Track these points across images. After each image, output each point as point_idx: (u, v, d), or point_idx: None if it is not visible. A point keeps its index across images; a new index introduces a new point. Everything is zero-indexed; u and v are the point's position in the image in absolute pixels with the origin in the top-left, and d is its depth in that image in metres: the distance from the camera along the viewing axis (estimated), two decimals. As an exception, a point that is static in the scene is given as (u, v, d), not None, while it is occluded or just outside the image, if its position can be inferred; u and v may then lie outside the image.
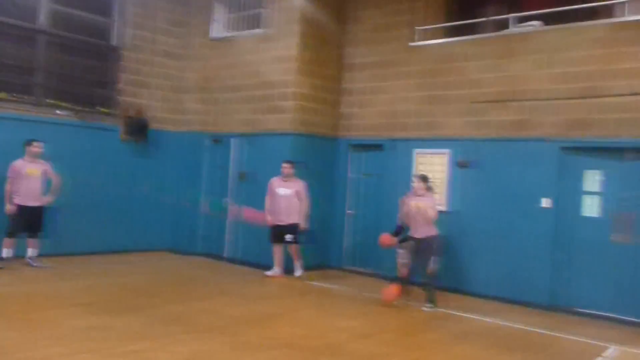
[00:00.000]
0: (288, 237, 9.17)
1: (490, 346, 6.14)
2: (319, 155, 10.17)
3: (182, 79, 11.44)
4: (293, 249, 9.29)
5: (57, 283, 8.02)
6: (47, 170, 8.89)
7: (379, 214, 9.75)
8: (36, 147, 8.77)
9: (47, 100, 9.87)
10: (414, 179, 8.13)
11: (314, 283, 9.05)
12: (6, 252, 8.68)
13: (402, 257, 8.04)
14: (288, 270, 9.37)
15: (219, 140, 10.94)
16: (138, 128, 10.78)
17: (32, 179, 8.72)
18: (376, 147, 10.00)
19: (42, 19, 9.78)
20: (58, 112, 9.95)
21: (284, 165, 9.23)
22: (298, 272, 9.36)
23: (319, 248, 10.13)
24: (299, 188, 9.26)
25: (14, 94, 9.49)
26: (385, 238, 8.28)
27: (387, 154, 9.82)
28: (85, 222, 9.99)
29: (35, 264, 8.80)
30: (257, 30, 10.53)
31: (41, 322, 5.99)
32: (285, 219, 9.19)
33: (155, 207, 11.09)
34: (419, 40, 9.55)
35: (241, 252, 10.39)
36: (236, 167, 10.66)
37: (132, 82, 10.85)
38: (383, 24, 10.00)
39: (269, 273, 9.31)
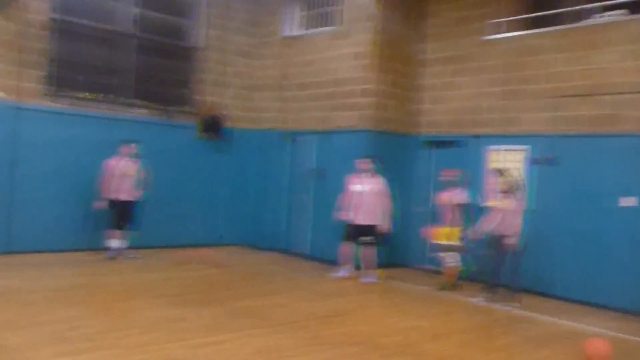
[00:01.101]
0: (363, 238, 8.75)
1: (575, 352, 5.82)
2: (394, 152, 10.00)
3: (257, 77, 11.67)
4: (367, 252, 8.85)
5: (141, 275, 8.41)
6: (139, 168, 9.36)
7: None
8: (132, 148, 9.28)
9: (132, 100, 10.37)
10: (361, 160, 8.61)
11: (390, 281, 8.96)
12: (115, 243, 9.24)
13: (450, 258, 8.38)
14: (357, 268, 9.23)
15: (294, 138, 11.05)
16: (213, 125, 11.11)
17: (126, 176, 9.20)
18: (451, 143, 9.75)
19: (129, 23, 10.28)
20: (141, 111, 10.43)
21: (362, 160, 8.92)
22: (366, 279, 8.78)
23: (397, 246, 10.00)
24: (379, 185, 8.80)
25: (101, 94, 10.03)
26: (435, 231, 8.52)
27: (461, 150, 9.56)
28: (166, 216, 10.41)
29: (131, 256, 9.29)
30: (330, 28, 10.56)
31: (124, 311, 6.31)
32: (363, 219, 8.73)
33: (232, 203, 11.40)
34: (494, 34, 9.24)
35: (318, 249, 10.43)
36: (311, 164, 10.73)
37: (209, 81, 11.22)
38: (457, 17, 9.78)
39: (334, 275, 8.93)
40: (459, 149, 9.66)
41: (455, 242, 8.30)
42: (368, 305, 7.40)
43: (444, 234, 8.41)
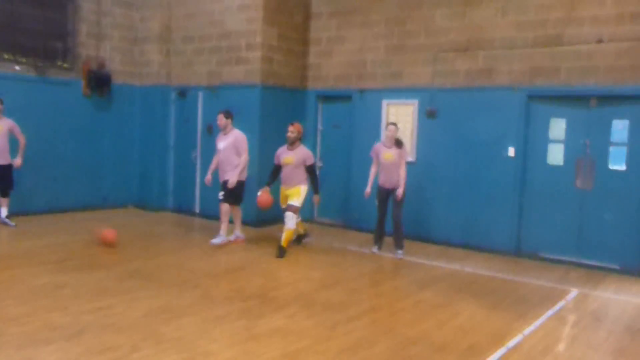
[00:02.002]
0: (220, 195, 8.16)
1: (455, 292, 6.26)
2: (287, 108, 10.02)
3: (143, 29, 11.06)
4: (221, 208, 8.16)
5: (22, 242, 7.91)
6: (13, 127, 8.70)
7: (348, 166, 9.74)
8: None
9: (5, 55, 9.50)
10: (389, 127, 7.87)
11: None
12: None
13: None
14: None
15: (184, 94, 10.71)
16: (100, 82, 10.51)
17: None
18: (344, 98, 9.89)
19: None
20: (17, 67, 9.60)
21: (218, 116, 8.24)
22: (215, 240, 8.16)
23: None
24: (234, 140, 8.03)
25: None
26: (264, 198, 7.75)
27: (354, 105, 9.73)
28: (48, 180, 9.84)
29: (12, 224, 8.75)
30: (219, -22, 10.18)
31: (6, 281, 5.93)
32: (222, 175, 8.12)
33: (120, 163, 10.94)
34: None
35: (208, 207, 10.27)
36: (202, 121, 10.49)
37: (92, 35, 10.49)
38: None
39: (215, 241, 8.15)
40: (347, 104, 9.82)
41: (294, 199, 7.67)
42: (259, 260, 7.45)
43: (284, 196, 7.88)
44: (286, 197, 7.82)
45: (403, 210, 7.86)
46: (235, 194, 8.09)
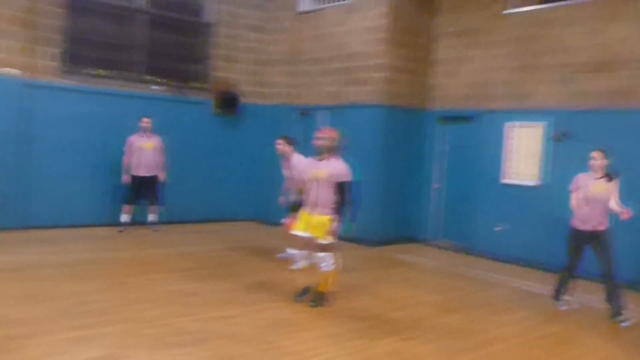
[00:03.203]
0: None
1: (589, 327, 5.81)
2: (408, 128, 10.00)
3: (268, 52, 11.59)
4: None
5: (159, 249, 8.53)
6: (159, 144, 9.58)
7: (469, 189, 9.49)
8: (144, 123, 9.46)
9: (144, 77, 10.38)
10: (594, 154, 6.19)
11: (398, 256, 8.99)
12: (124, 218, 9.51)
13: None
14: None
15: (306, 113, 11.02)
16: (229, 102, 11.13)
17: (144, 151, 9.43)
18: (466, 119, 9.66)
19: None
20: (154, 87, 10.43)
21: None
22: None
23: (410, 221, 10.06)
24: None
25: (114, 71, 10.03)
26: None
27: (476, 126, 9.48)
28: (180, 192, 10.46)
29: (155, 229, 9.66)
30: (345, 1, 10.41)
31: (137, 286, 6.40)
32: None
33: (244, 178, 11.45)
34: (508, 7, 9.08)
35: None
36: (324, 140, 10.71)
37: (222, 57, 11.17)
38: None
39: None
40: (469, 125, 9.58)
41: (321, 237, 5.81)
42: (376, 281, 7.41)
43: (308, 224, 5.92)
44: (307, 225, 5.89)
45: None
46: None
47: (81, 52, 9.67)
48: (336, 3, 10.58)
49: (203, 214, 10.89)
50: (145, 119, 9.49)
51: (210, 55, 11.06)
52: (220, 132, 11.17)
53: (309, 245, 5.90)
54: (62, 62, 9.41)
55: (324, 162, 5.90)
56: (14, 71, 8.82)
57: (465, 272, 8.15)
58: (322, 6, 10.84)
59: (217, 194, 11.16)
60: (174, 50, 10.78)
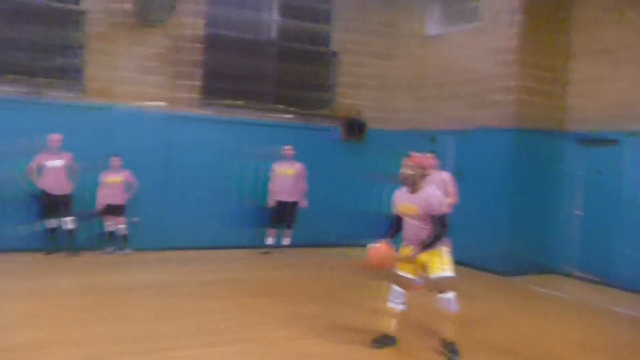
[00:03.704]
0: None
1: None
2: (542, 152, 9.47)
3: (392, 77, 11.61)
4: None
5: (287, 271, 8.79)
6: (300, 170, 9.93)
7: (614, 218, 8.75)
8: (287, 150, 9.89)
9: (274, 105, 10.84)
10: None
11: (532, 287, 8.46)
12: (269, 241, 10.03)
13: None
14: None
15: (435, 138, 10.83)
16: (356, 128, 11.26)
17: (286, 177, 9.86)
18: (609, 142, 8.95)
19: (270, 32, 10.75)
20: (285, 115, 10.85)
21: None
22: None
23: (535, 250, 9.46)
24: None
25: (247, 101, 10.59)
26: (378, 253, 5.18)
27: (619, 148, 8.75)
28: (311, 216, 10.56)
29: (286, 252, 9.98)
30: (472, 24, 10.20)
31: (266, 306, 6.60)
32: None
33: (371, 203, 11.40)
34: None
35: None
36: (451, 165, 10.44)
37: (348, 84, 11.37)
38: (608, 4, 8.95)
39: None
40: (612, 148, 8.86)
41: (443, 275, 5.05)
42: (505, 312, 7.01)
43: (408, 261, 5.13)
44: (414, 265, 5.15)
45: None
46: None
47: (217, 85, 10.34)
48: (464, 26, 10.40)
49: (330, 238, 10.99)
50: (287, 147, 9.90)
51: (336, 83, 11.32)
52: (347, 158, 11.28)
53: (410, 286, 5.22)
54: (201, 94, 10.10)
55: (415, 194, 5.05)
56: (160, 104, 9.61)
57: (607, 307, 7.46)
58: (449, 30, 10.70)
59: (345, 218, 11.19)
60: (301, 80, 11.18)
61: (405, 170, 5.06)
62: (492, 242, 9.19)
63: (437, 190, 5.18)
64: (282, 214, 9.94)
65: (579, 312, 7.20)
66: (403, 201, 5.16)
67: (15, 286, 6.87)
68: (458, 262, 9.51)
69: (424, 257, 5.02)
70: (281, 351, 5.03)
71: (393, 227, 5.31)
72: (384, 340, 5.28)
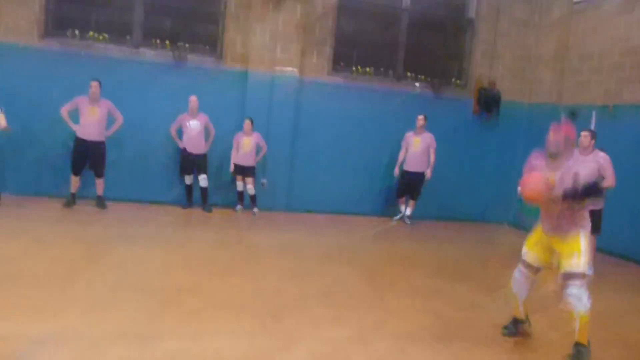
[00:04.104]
0: None
1: None
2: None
3: (531, 48, 10.94)
4: None
5: (410, 243, 8.75)
6: (429, 142, 9.85)
7: None
8: (420, 120, 9.82)
9: (407, 74, 10.65)
10: None
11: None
12: (402, 209, 10.17)
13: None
14: None
15: (576, 114, 10.08)
16: (490, 101, 10.80)
17: (413, 148, 9.86)
18: None
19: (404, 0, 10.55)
20: (417, 85, 10.65)
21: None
22: None
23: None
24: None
25: (379, 69, 10.50)
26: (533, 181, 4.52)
27: None
28: (437, 190, 10.43)
29: (409, 223, 10.05)
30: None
31: (384, 275, 6.68)
32: None
33: (500, 180, 10.97)
34: None
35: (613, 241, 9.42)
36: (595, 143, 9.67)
37: (485, 53, 10.88)
38: None
39: None
40: None
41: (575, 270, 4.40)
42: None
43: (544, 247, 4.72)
44: (547, 251, 4.69)
45: None
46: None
47: (348, 52, 10.35)
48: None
49: (455, 212, 10.79)
50: (420, 117, 9.80)
51: (471, 52, 10.88)
52: (479, 131, 10.90)
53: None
54: (332, 61, 10.18)
55: (558, 167, 4.50)
56: (292, 70, 9.83)
57: None
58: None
59: (472, 193, 10.91)
60: (435, 48, 10.89)
61: (554, 142, 4.48)
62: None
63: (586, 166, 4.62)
64: (409, 184, 9.93)
65: None
66: (543, 171, 4.54)
67: (157, 236, 7.47)
68: (602, 250, 9.00)
69: (556, 243, 4.54)
70: (400, 321, 5.04)
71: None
72: (513, 326, 4.98)
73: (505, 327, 4.99)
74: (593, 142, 7.19)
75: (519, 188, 4.60)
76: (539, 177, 4.46)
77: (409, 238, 9.11)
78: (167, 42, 9.50)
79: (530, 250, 4.77)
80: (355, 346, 4.38)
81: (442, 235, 9.56)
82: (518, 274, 4.85)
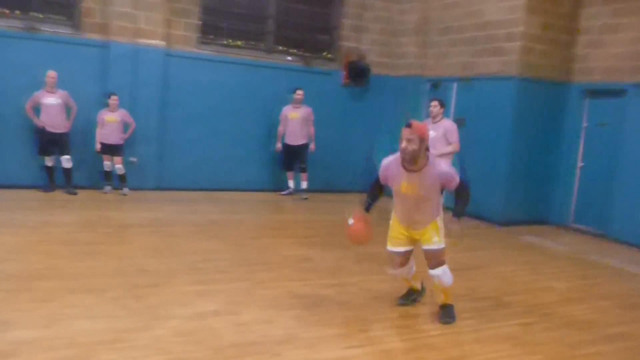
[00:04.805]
0: None
1: None
2: (545, 102, 9.30)
3: (396, 22, 11.34)
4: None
5: (280, 215, 8.79)
6: (306, 114, 10.00)
7: (613, 170, 8.66)
8: (297, 95, 9.92)
9: (275, 47, 10.62)
10: None
11: (528, 238, 8.48)
12: (290, 184, 10.33)
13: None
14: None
15: (437, 85, 10.64)
16: (359, 73, 11.06)
17: (294, 121, 9.94)
18: (615, 93, 8.75)
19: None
20: (288, 58, 10.65)
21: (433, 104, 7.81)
22: None
23: (539, 202, 9.46)
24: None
25: (250, 42, 10.37)
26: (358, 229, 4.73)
27: (627, 101, 8.55)
28: (321, 163, 10.66)
29: (304, 196, 10.13)
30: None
31: (255, 248, 6.69)
32: None
33: (369, 150, 11.33)
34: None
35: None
36: (455, 113, 10.29)
37: (351, 27, 11.10)
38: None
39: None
40: (618, 99, 8.68)
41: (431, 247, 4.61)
42: (497, 262, 7.05)
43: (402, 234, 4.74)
44: (407, 238, 4.70)
45: None
46: None
47: (216, 24, 10.11)
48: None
49: (326, 183, 10.99)
50: (299, 91, 9.89)
51: (339, 26, 11.05)
52: (348, 103, 11.16)
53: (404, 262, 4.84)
54: (199, 32, 9.89)
55: (416, 173, 4.37)
56: (157, 42, 9.42)
57: (598, 260, 7.48)
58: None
59: (344, 164, 11.17)
60: (304, 21, 10.92)
61: (407, 145, 4.20)
62: (491, 192, 9.13)
63: (443, 166, 4.50)
64: (292, 158, 10.05)
65: (568, 264, 7.23)
66: (401, 179, 4.41)
67: (9, 220, 6.92)
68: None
69: (415, 233, 4.61)
70: (268, 292, 5.08)
71: (373, 194, 4.71)
72: (407, 298, 5.08)
73: (401, 298, 5.08)
74: (442, 110, 7.72)
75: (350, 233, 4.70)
76: (361, 229, 4.63)
77: (292, 210, 9.22)
78: (17, 11, 8.73)
79: (393, 246, 4.77)
80: (222, 320, 4.35)
81: (316, 207, 9.73)
82: (394, 271, 4.91)
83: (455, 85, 10.24)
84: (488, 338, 4.48)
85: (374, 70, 11.19)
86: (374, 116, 11.33)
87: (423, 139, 4.24)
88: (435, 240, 4.55)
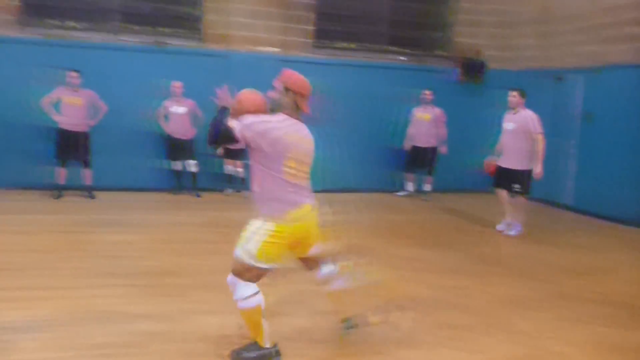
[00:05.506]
0: (515, 187, 7.57)
1: None
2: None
3: (513, 13, 10.85)
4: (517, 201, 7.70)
5: (390, 215, 8.75)
6: (438, 115, 9.95)
7: None
8: (426, 95, 9.88)
9: (391, 47, 10.60)
10: None
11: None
12: (409, 187, 10.33)
13: None
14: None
15: (561, 78, 10.02)
16: (475, 69, 10.74)
17: (421, 122, 9.96)
18: None
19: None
20: (401, 57, 10.57)
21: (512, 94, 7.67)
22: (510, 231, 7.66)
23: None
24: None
25: (363, 43, 10.44)
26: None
27: None
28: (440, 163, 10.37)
29: (426, 198, 10.11)
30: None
31: (373, 249, 6.63)
32: (507, 162, 7.59)
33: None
34: None
35: (584, 201, 9.43)
36: (580, 107, 9.64)
37: (465, 22, 10.80)
38: None
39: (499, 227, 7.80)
40: None
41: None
42: (631, 264, 6.51)
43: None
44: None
45: None
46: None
47: (329, 28, 10.26)
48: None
49: (447, 184, 10.68)
50: (427, 92, 9.84)
51: (453, 22, 10.79)
52: (465, 100, 10.81)
53: None
54: (313, 37, 10.09)
55: None
56: (273, 49, 9.74)
57: None
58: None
59: (463, 163, 10.73)
60: (416, 19, 10.78)
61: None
62: (623, 190, 8.47)
63: None
64: (419, 159, 9.98)
65: None
66: None
67: (143, 221, 7.48)
68: (584, 211, 8.98)
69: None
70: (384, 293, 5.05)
71: None
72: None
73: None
74: (523, 100, 7.57)
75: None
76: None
77: (393, 211, 9.11)
78: (147, 27, 9.44)
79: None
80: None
81: (425, 206, 9.54)
82: None
83: (581, 77, 9.60)
84: (628, 348, 4.17)
85: (491, 65, 10.78)
86: (492, 113, 10.87)
87: None
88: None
